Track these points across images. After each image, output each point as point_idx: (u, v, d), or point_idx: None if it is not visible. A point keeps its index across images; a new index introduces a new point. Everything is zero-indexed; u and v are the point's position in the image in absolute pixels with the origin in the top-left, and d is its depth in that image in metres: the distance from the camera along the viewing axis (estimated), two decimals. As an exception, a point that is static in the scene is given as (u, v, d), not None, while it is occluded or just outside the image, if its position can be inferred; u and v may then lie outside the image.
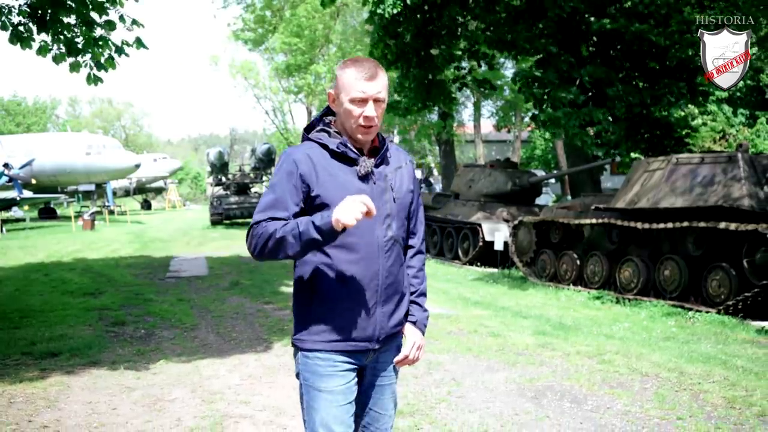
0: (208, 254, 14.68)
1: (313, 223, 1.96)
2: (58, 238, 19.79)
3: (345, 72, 2.11)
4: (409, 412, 4.09)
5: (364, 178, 2.11)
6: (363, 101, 2.07)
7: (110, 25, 7.74)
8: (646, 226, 8.81)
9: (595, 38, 13.05)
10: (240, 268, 12.04)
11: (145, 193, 47.27)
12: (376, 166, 2.16)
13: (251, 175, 28.65)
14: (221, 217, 25.23)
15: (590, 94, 13.01)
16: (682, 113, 15.37)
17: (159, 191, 50.70)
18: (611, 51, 12.65)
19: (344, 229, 1.94)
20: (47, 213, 32.59)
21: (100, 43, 7.61)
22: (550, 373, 5.02)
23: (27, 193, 27.79)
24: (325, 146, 2.13)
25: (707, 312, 7.84)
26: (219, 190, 27.40)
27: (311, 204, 2.08)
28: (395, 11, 13.17)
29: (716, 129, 22.85)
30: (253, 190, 28.40)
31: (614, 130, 13.39)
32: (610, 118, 12.89)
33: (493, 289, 10.21)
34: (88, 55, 7.75)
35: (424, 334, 2.30)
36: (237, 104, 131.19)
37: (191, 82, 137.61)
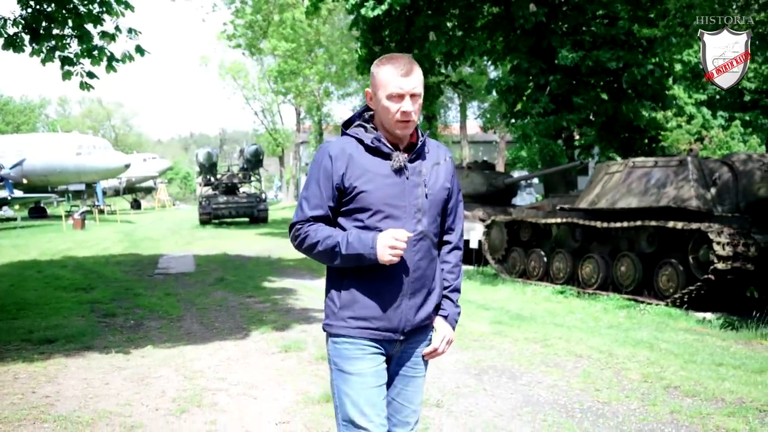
0: (196, 252, 15.15)
1: (358, 251, 2.10)
2: (49, 237, 20.26)
3: (381, 69, 2.18)
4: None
5: (398, 172, 2.19)
6: (400, 97, 2.15)
7: (111, 37, 8.29)
8: (605, 225, 9.43)
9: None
10: (226, 266, 12.58)
11: (135, 192, 47.68)
12: (412, 161, 2.23)
13: (239, 175, 29.27)
14: (210, 217, 25.77)
15: (559, 99, 13.68)
16: (655, 115, 16.02)
17: (149, 191, 51.13)
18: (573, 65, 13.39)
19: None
20: (37, 212, 32.97)
21: (96, 53, 8.15)
22: (497, 355, 5.64)
23: (18, 193, 28.23)
24: (360, 141, 2.21)
25: (657, 305, 8.47)
26: (208, 190, 27.94)
27: (346, 195, 2.19)
28: (375, 14, 13.71)
29: (692, 132, 23.52)
30: (241, 190, 28.97)
31: (590, 132, 14.09)
32: (590, 118, 13.54)
33: (466, 285, 10.80)
34: (79, 65, 8.31)
35: (454, 330, 2.36)
36: (226, 104, 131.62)
37: (181, 81, 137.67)
